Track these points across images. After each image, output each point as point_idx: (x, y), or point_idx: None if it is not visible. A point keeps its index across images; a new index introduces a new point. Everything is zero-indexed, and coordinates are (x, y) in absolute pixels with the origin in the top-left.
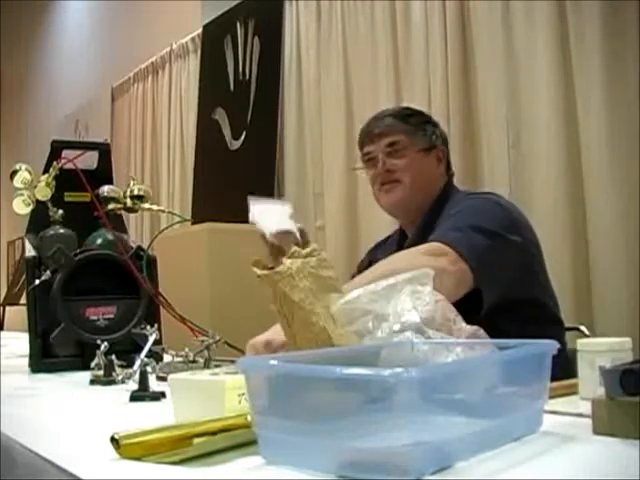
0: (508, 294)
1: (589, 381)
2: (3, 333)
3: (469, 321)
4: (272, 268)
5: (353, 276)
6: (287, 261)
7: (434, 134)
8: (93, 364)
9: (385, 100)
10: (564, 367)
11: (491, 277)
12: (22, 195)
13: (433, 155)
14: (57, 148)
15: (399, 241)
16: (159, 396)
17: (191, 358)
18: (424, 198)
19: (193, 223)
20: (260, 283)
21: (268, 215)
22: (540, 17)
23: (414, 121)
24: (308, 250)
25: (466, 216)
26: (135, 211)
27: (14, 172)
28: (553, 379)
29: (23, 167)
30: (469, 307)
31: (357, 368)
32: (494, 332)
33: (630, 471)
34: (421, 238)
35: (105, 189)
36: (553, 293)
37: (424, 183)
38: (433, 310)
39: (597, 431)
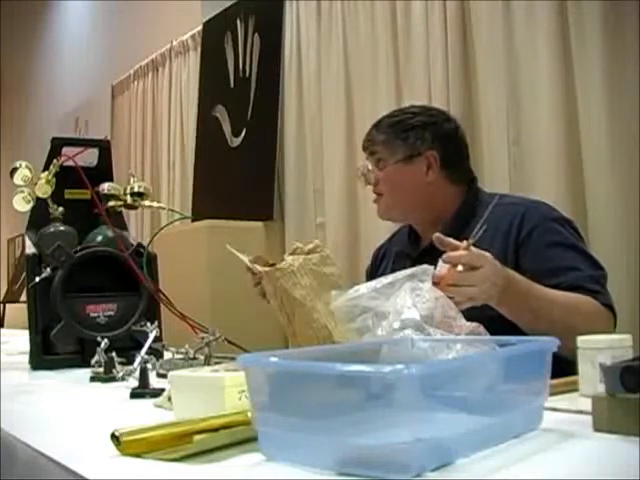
0: None
1: (589, 378)
2: (3, 330)
3: None
4: (273, 265)
5: (370, 276)
6: (289, 257)
7: (419, 140)
8: (93, 361)
9: (385, 98)
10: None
11: None
12: (22, 192)
13: (418, 162)
14: (57, 145)
15: (410, 235)
16: (159, 393)
17: (191, 355)
18: (416, 206)
19: (193, 220)
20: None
21: None
22: (541, 15)
23: (395, 130)
24: (311, 247)
25: (588, 261)
26: (135, 208)
27: (14, 169)
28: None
29: (23, 164)
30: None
31: (357, 365)
32: None
33: (630, 468)
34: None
35: (105, 186)
36: None
37: (406, 193)
38: (433, 307)
39: (597, 428)
